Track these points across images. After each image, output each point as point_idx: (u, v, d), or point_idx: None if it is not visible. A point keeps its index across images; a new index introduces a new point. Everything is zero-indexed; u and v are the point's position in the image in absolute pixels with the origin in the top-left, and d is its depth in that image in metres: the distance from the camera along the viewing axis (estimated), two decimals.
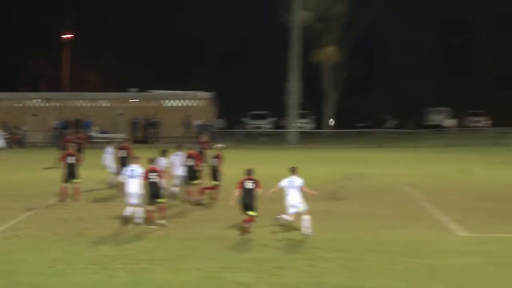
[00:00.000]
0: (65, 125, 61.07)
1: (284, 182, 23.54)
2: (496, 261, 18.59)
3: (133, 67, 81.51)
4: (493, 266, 18.07)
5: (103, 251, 19.88)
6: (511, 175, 36.67)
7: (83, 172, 30.07)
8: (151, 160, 24.18)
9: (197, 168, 28.08)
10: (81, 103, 65.71)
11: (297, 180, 23.33)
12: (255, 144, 38.80)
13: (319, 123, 74.35)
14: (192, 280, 17.02)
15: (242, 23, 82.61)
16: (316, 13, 68.33)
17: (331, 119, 74.10)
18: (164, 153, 28.89)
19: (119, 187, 26.19)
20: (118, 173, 29.30)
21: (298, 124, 65.40)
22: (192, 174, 28.07)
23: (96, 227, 23.29)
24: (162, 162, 28.09)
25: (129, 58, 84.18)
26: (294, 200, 23.15)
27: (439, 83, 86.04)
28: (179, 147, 30.08)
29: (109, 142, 35.78)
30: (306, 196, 22.83)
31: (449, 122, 68.61)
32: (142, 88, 65.62)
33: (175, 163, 28.91)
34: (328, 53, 71.91)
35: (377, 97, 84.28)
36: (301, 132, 64.31)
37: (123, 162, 30.44)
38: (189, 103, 64.34)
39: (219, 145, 31.05)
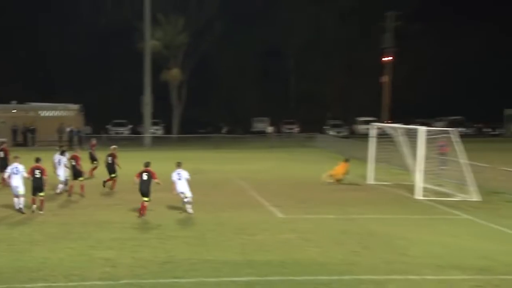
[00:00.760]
0: None
1: (174, 174, 23.46)
2: (304, 236, 19.05)
3: (15, 85, 78.02)
4: (302, 240, 18.52)
5: None
6: (315, 170, 37.68)
7: None
8: (37, 160, 23.23)
9: (79, 167, 27.02)
10: None
11: (183, 172, 23.23)
12: (118, 146, 38.38)
13: (169, 129, 73.90)
14: (66, 257, 16.54)
15: (106, 44, 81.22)
16: (162, 42, 68.49)
17: (270, 127, 72.72)
18: (63, 153, 28.29)
19: (3, 182, 25.27)
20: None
21: (151, 130, 64.97)
22: (75, 173, 27.03)
23: None
24: (57, 159, 27.54)
25: (9, 75, 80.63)
26: (183, 188, 23.13)
27: (262, 97, 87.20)
28: (61, 149, 28.96)
29: None
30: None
31: (270, 129, 69.90)
32: (22, 101, 63.19)
33: (59, 163, 27.74)
34: (174, 74, 71.68)
35: (214, 108, 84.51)
36: (154, 137, 63.81)
37: (1, 162, 29.27)
38: (62, 113, 62.65)
39: (113, 146, 30.71)
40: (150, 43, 62.39)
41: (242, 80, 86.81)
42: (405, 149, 30.30)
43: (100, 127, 70.86)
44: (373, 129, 34.00)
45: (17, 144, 55.46)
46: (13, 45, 79.45)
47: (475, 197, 26.40)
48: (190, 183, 23.19)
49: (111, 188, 28.85)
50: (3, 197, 25.03)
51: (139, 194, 22.27)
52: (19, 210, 22.65)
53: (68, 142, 53.94)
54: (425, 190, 27.23)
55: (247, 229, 20.03)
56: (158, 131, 71.52)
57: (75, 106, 62.74)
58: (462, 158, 27.25)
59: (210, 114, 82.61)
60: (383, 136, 33.76)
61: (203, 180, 30.67)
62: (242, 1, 73.18)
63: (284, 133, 71.81)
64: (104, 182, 29.20)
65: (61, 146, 31.22)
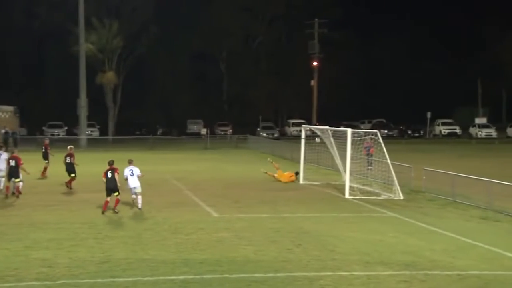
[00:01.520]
0: None
1: (127, 171, 23.50)
2: (239, 235, 18.97)
3: None
4: (237, 239, 18.42)
5: None
6: (248, 170, 37.77)
7: None
8: None
9: (20, 167, 26.51)
10: None
11: (135, 169, 23.35)
12: (53, 148, 37.33)
13: (105, 131, 72.79)
14: (1, 258, 15.96)
15: (42, 47, 79.45)
16: (97, 46, 67.44)
17: (204, 129, 71.96)
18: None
19: None
20: None
21: (87, 132, 63.83)
22: (13, 173, 26.44)
23: None
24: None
25: None
26: (134, 184, 23.22)
27: (196, 100, 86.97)
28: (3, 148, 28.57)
29: None
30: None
31: (204, 130, 69.65)
32: None
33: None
34: (109, 77, 70.73)
35: (149, 110, 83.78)
36: (89, 138, 62.72)
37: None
38: None
39: (69, 146, 30.94)
40: (84, 47, 61.26)
41: (177, 83, 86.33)
42: (334, 150, 30.65)
43: (35, 129, 69.27)
44: (304, 131, 34.31)
45: None
46: None
47: (399, 196, 26.91)
48: (123, 184, 22.91)
49: (69, 187, 28.69)
50: None
51: (75, 195, 21.80)
52: None
53: (3, 143, 52.43)
54: (353, 189, 27.58)
55: (183, 228, 19.82)
56: (94, 132, 70.39)
57: (10, 108, 61.13)
58: (386, 158, 27.74)
59: (146, 116, 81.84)
60: (313, 137, 34.07)
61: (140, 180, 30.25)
62: (176, 6, 72.72)
63: (217, 135, 71.71)
64: (66, 183, 28.89)
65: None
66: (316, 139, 34.11)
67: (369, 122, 79.43)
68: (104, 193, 22.78)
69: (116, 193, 22.63)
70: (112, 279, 14.16)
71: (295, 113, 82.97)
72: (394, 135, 74.19)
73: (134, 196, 23.26)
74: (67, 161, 28.91)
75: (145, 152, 51.93)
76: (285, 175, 32.61)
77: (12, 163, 26.16)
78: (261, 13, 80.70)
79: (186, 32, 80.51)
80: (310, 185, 31.17)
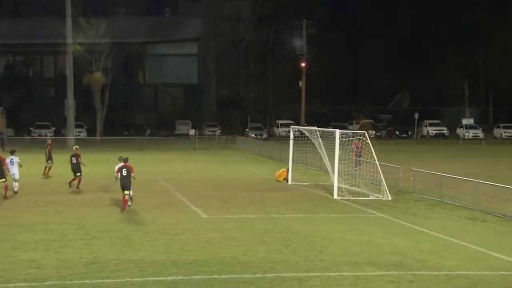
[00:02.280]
0: None
1: (119, 167, 23.46)
2: (228, 235, 18.99)
3: None
4: (226, 239, 18.43)
5: None
6: (237, 170, 37.78)
7: None
8: None
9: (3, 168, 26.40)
10: None
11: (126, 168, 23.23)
12: (42, 148, 37.34)
13: (93, 131, 72.57)
14: None
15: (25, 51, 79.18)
16: (84, 47, 67.14)
17: (192, 130, 71.19)
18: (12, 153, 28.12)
19: None
20: None
21: (75, 132, 63.62)
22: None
23: None
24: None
25: None
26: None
27: (185, 100, 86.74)
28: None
29: None
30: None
31: (192, 131, 69.51)
32: None
33: (12, 163, 26.97)
34: (96, 78, 70.48)
35: (137, 111, 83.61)
36: (77, 139, 62.52)
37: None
38: None
39: (75, 146, 31.34)
40: (71, 47, 61.02)
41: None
42: (322, 151, 30.70)
43: (23, 130, 69.01)
44: (292, 131, 34.36)
45: None
46: None
47: (387, 196, 26.98)
48: (112, 184, 22.86)
49: (77, 187, 28.67)
50: None
51: (63, 196, 21.72)
52: None
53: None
54: (342, 190, 27.63)
55: (172, 229, 19.78)
56: (82, 133, 70.16)
57: None
58: (374, 159, 27.83)
59: (135, 117, 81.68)
60: (301, 138, 34.13)
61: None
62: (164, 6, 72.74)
63: (206, 136, 71.72)
64: (70, 182, 29.02)
65: None
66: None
67: (357, 123, 79.71)
68: (90, 194, 22.74)
69: (128, 192, 22.59)
70: (100, 280, 14.11)
71: (283, 114, 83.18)
72: (382, 135, 74.50)
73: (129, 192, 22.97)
74: (72, 161, 28.95)
75: (133, 153, 51.87)
76: (278, 174, 32.95)
77: None
78: (249, 13, 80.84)
79: None
80: (299, 185, 31.22)
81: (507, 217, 22.45)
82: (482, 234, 20.01)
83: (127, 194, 22.69)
